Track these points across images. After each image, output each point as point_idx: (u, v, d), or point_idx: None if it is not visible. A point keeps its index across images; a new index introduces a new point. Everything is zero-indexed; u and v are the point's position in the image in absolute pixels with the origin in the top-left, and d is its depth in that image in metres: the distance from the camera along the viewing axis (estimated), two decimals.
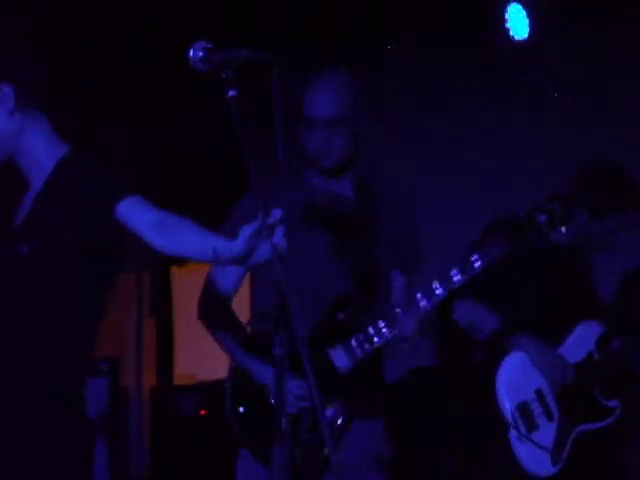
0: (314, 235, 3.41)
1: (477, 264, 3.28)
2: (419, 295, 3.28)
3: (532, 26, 5.45)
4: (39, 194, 2.95)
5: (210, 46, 2.51)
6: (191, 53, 2.52)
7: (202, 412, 6.24)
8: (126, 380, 6.65)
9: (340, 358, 3.31)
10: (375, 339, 3.30)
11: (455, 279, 3.28)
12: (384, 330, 3.30)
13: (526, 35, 5.48)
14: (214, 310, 3.52)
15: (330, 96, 3.41)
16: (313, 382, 2.43)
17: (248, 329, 3.51)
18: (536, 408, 4.04)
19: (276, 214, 2.48)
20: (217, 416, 3.47)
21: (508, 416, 3.99)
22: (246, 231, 2.53)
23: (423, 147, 5.85)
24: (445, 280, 3.28)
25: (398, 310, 3.29)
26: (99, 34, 5.37)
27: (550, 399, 4.06)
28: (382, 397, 3.49)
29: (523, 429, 3.99)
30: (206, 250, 2.68)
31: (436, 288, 3.28)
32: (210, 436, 5.85)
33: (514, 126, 5.61)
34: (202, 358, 6.27)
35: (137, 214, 2.87)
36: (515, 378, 4.06)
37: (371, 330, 3.31)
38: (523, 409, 4.02)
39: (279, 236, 2.48)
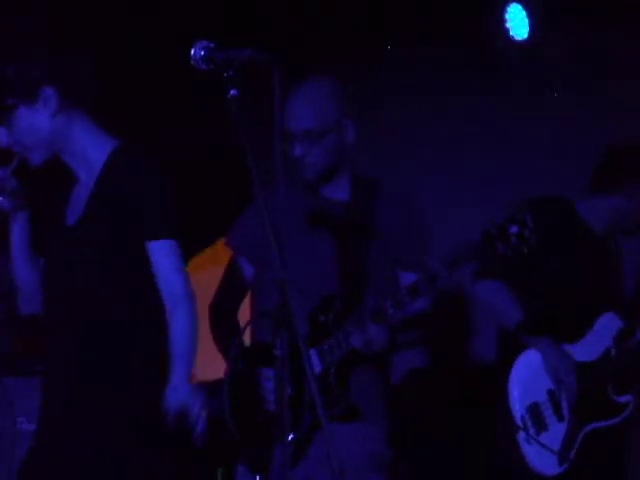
0: (307, 239, 3.40)
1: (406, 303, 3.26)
2: (388, 304, 3.24)
3: (532, 26, 5.45)
4: (93, 195, 3.09)
5: (212, 45, 2.51)
6: (193, 52, 2.52)
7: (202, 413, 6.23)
8: None
9: (314, 361, 3.29)
10: (343, 346, 3.28)
11: (421, 289, 3.24)
12: (351, 338, 3.27)
13: (526, 35, 5.47)
14: (223, 324, 3.55)
15: (307, 108, 3.37)
16: (313, 382, 2.43)
17: (248, 330, 3.53)
18: (547, 409, 4.03)
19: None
20: (217, 416, 3.47)
21: (518, 418, 3.98)
22: None
23: (423, 147, 5.85)
24: (412, 291, 3.24)
25: (366, 318, 3.26)
26: (99, 34, 5.36)
27: (562, 399, 4.05)
28: (385, 398, 3.48)
29: (532, 431, 3.98)
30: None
31: (404, 297, 3.24)
32: (210, 436, 5.84)
33: (514, 126, 5.60)
34: (202, 358, 6.26)
35: (162, 260, 3.14)
36: (528, 377, 4.05)
37: (341, 336, 3.29)
38: (534, 410, 4.02)
39: None
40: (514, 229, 3.19)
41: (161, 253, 3.13)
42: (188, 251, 7.09)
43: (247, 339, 3.72)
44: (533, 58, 5.48)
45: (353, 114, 3.45)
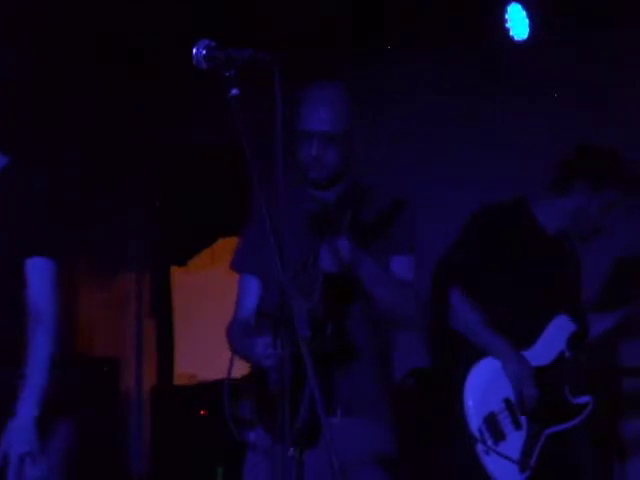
0: (306, 239, 3.40)
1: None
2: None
3: (532, 26, 5.45)
4: None
5: (213, 45, 2.51)
6: (194, 51, 2.52)
7: (202, 412, 6.24)
8: (126, 380, 6.65)
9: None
10: (317, 269, 3.27)
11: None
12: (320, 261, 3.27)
13: (526, 35, 5.47)
14: (237, 337, 3.55)
15: (329, 111, 3.39)
16: (314, 383, 2.43)
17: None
18: (504, 418, 4.02)
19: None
20: (217, 416, 3.47)
21: (475, 431, 3.97)
22: None
23: (423, 147, 5.85)
24: None
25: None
26: (99, 34, 5.37)
27: (518, 408, 4.04)
28: (388, 397, 3.48)
29: (490, 442, 3.97)
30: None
31: None
32: (210, 436, 5.85)
33: (514, 126, 5.61)
34: (202, 358, 6.28)
35: (36, 279, 3.19)
36: (483, 386, 4.04)
37: (311, 260, 3.28)
38: (490, 421, 4.00)
39: None
40: None
41: (34, 271, 3.21)
42: (188, 251, 7.13)
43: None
44: (533, 58, 5.48)
45: (358, 121, 3.48)
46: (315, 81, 3.44)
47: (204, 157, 6.64)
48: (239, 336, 3.50)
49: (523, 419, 4.02)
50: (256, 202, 2.48)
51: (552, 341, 4.12)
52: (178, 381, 6.89)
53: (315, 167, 3.41)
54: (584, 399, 4.10)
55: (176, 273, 6.96)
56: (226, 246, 5.96)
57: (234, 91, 2.49)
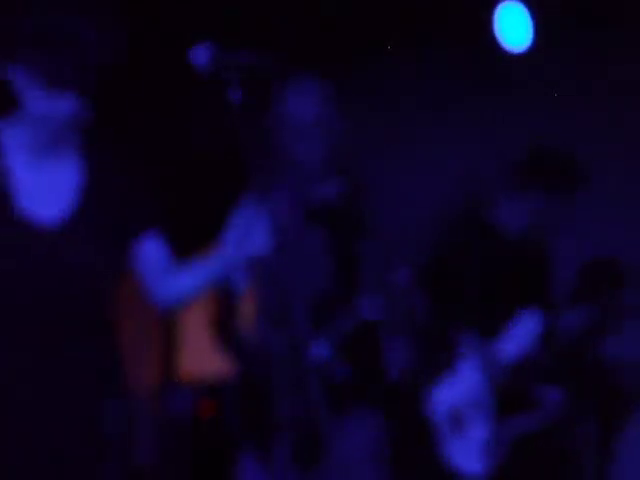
0: (302, 235, 3.42)
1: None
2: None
3: (532, 29, 5.46)
4: None
5: (213, 47, 2.52)
6: (194, 53, 2.53)
7: (202, 412, 6.25)
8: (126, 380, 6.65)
9: (321, 345, 3.31)
10: (352, 317, 3.31)
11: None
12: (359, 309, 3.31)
13: (526, 40, 5.48)
14: (222, 331, 3.56)
15: (309, 105, 3.38)
16: (314, 383, 2.44)
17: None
18: (467, 408, 4.05)
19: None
20: (217, 416, 3.48)
21: (437, 422, 4.01)
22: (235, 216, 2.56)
23: (423, 147, 5.86)
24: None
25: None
26: (99, 34, 5.37)
27: (483, 398, 4.07)
28: (382, 393, 3.50)
29: (452, 433, 4.01)
30: None
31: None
32: (210, 436, 5.86)
33: (514, 126, 5.61)
34: (202, 358, 6.29)
35: None
36: (448, 377, 4.08)
37: (348, 309, 3.32)
38: (454, 413, 4.03)
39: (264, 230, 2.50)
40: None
41: None
42: (188, 251, 7.13)
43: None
44: (533, 60, 5.49)
45: (340, 115, 3.49)
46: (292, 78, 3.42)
47: (205, 157, 6.65)
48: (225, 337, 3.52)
49: (489, 409, 4.06)
50: (256, 199, 2.48)
51: (517, 337, 4.15)
52: (178, 380, 6.91)
53: (302, 162, 3.41)
54: (552, 394, 4.14)
55: None
56: None
57: (234, 92, 2.50)
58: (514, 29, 5.44)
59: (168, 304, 2.70)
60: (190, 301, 2.70)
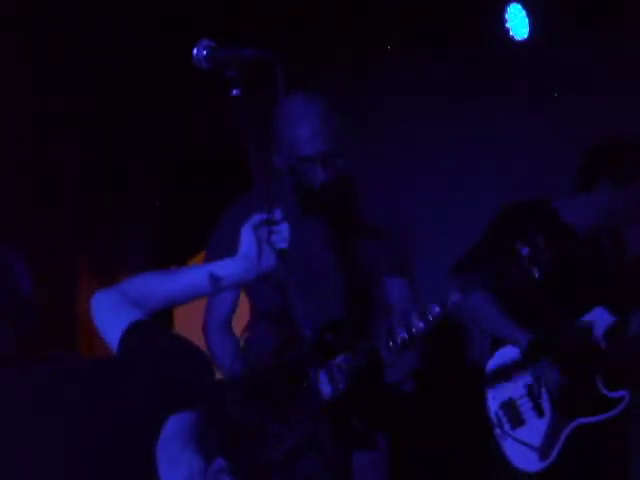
0: (304, 237, 3.40)
1: (436, 312, 3.25)
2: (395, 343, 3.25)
3: (532, 26, 5.46)
4: None
5: (214, 45, 2.51)
6: (195, 51, 2.52)
7: None
8: None
9: (323, 383, 3.30)
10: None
11: (415, 329, 3.25)
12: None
13: (526, 35, 5.48)
14: (215, 337, 3.55)
15: (318, 128, 3.33)
16: (314, 384, 2.43)
17: (246, 334, 3.54)
18: (524, 404, 4.02)
19: (277, 213, 2.46)
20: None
21: (492, 415, 3.99)
22: (248, 226, 2.47)
23: (423, 147, 5.86)
24: (405, 328, 3.25)
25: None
26: (100, 34, 5.37)
27: (541, 394, 4.04)
28: (381, 400, 3.49)
29: (507, 426, 3.98)
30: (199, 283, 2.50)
31: (400, 332, 3.25)
32: None
33: (514, 126, 5.61)
34: None
35: None
36: (504, 372, 4.05)
37: (360, 348, 3.30)
38: (509, 406, 4.01)
39: (284, 236, 2.46)
40: (525, 251, 3.18)
41: None
42: (188, 251, 7.13)
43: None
44: (533, 58, 5.48)
45: (342, 122, 3.46)
46: (291, 97, 3.37)
47: (205, 157, 6.64)
48: (217, 334, 3.51)
49: (546, 406, 4.03)
50: (256, 200, 2.47)
51: (583, 335, 4.11)
52: None
53: (323, 186, 3.38)
54: (619, 393, 4.08)
55: None
56: None
57: (235, 91, 2.49)
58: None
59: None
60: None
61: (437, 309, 3.24)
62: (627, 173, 4.06)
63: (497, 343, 4.08)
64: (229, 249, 3.36)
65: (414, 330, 3.22)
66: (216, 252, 3.33)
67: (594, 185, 4.11)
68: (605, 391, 4.06)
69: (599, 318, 4.11)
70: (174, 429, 2.02)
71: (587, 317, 4.10)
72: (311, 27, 5.55)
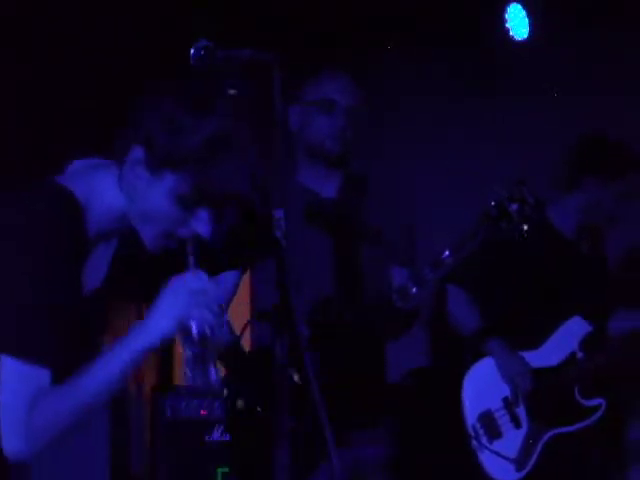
0: (301, 235, 3.41)
1: (448, 260, 3.26)
2: (394, 296, 3.25)
3: (532, 26, 5.45)
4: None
5: (211, 45, 2.52)
6: (193, 52, 2.52)
7: (202, 412, 6.23)
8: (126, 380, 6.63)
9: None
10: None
11: (427, 277, 3.26)
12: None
13: (526, 35, 5.47)
14: None
15: (354, 86, 3.43)
16: (315, 385, 2.43)
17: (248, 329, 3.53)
18: (501, 417, 4.00)
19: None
20: (217, 416, 3.47)
21: (469, 428, 3.97)
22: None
23: (423, 147, 5.85)
24: (418, 279, 3.27)
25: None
26: (100, 34, 5.37)
27: (517, 406, 4.02)
28: (382, 397, 3.49)
29: (484, 439, 3.97)
30: None
31: (410, 288, 3.26)
32: (210, 436, 5.84)
33: (514, 126, 5.61)
34: None
35: None
36: (481, 386, 4.04)
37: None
38: (486, 419, 4.00)
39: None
40: (514, 207, 3.21)
41: None
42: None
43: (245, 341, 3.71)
44: (533, 58, 5.48)
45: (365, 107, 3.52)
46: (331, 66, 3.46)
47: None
48: None
49: (523, 418, 4.02)
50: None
51: (563, 342, 4.10)
52: (178, 381, 6.88)
53: (338, 139, 3.42)
54: (595, 401, 4.07)
55: None
56: None
57: (233, 91, 2.49)
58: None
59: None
60: None
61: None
62: (612, 170, 4.07)
63: (475, 355, 4.08)
64: None
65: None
66: None
67: (578, 184, 4.12)
68: (582, 400, 4.05)
69: (574, 327, 4.11)
70: None
71: (563, 327, 4.10)
72: (311, 27, 5.55)
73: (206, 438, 5.97)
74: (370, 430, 3.40)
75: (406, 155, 5.83)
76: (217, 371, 2.19)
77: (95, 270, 2.37)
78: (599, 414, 4.06)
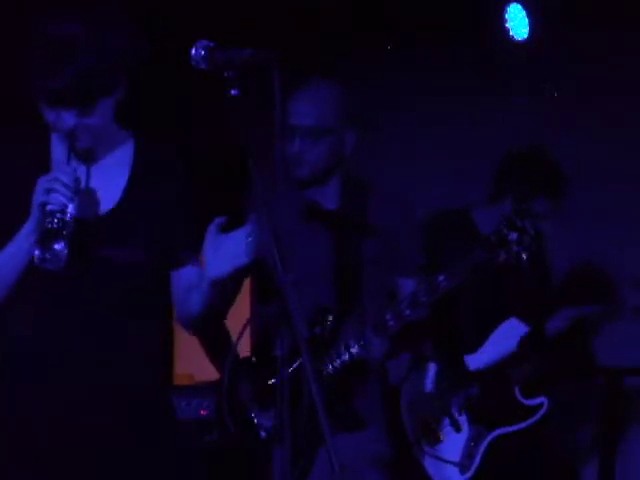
0: (301, 238, 3.40)
1: (443, 285, 3.24)
2: (388, 316, 3.25)
3: (532, 26, 5.45)
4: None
5: (212, 45, 2.51)
6: (193, 52, 2.52)
7: (202, 412, 6.23)
8: None
9: None
10: (344, 357, 3.28)
11: (421, 300, 3.25)
12: (352, 349, 3.28)
13: (526, 35, 5.47)
14: (207, 328, 3.55)
15: (310, 105, 3.37)
16: (314, 385, 2.43)
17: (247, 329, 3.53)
18: (441, 422, 4.02)
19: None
20: (217, 416, 3.47)
21: (410, 435, 3.98)
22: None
23: (423, 147, 5.85)
24: (412, 302, 3.25)
25: (368, 330, 3.26)
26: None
27: (455, 411, 4.04)
28: (383, 397, 3.49)
29: (426, 445, 3.98)
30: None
31: (404, 309, 3.25)
32: (210, 436, 5.84)
33: (514, 126, 5.61)
34: (202, 358, 6.26)
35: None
36: (419, 392, 4.06)
37: (341, 348, 3.29)
38: (425, 425, 4.01)
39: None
40: (513, 236, 3.19)
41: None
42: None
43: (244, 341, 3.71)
44: (533, 58, 5.48)
45: (355, 124, 3.44)
46: (307, 78, 3.43)
47: (205, 157, 6.64)
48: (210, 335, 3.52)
49: (463, 421, 4.04)
50: (254, 202, 2.48)
51: (500, 343, 4.11)
52: (178, 381, 6.88)
53: (296, 164, 3.38)
54: (537, 400, 4.08)
55: None
56: None
57: (234, 91, 2.49)
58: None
59: None
60: None
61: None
62: (528, 191, 4.11)
63: (415, 362, 4.09)
64: None
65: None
66: None
67: (501, 198, 4.18)
68: (523, 400, 4.07)
69: (511, 328, 4.12)
70: None
71: (500, 328, 4.12)
72: (311, 27, 5.55)
73: (206, 438, 5.97)
74: (368, 428, 3.40)
75: (406, 155, 5.84)
76: (65, 247, 2.53)
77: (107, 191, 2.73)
78: (542, 412, 4.08)
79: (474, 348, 4.11)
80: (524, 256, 3.22)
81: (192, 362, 6.71)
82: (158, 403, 2.87)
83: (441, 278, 3.23)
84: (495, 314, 4.13)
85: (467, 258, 3.24)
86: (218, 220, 2.70)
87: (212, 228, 2.71)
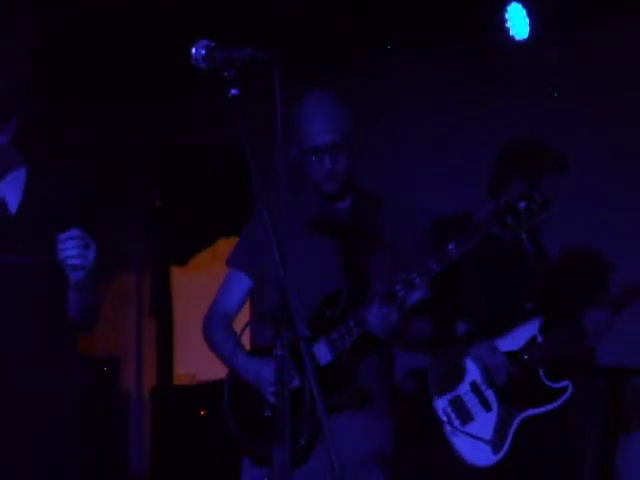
0: (309, 240, 3.42)
1: (453, 253, 3.28)
2: (398, 286, 3.27)
3: (532, 26, 5.45)
4: None
5: (213, 45, 2.52)
6: (194, 51, 2.53)
7: (202, 412, 6.24)
8: (126, 380, 6.65)
9: (322, 352, 3.32)
10: (355, 330, 3.30)
11: (432, 268, 3.28)
12: (364, 323, 3.30)
13: (526, 35, 5.48)
14: (215, 329, 3.56)
15: (330, 120, 3.40)
16: (314, 383, 2.43)
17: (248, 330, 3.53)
18: (470, 399, 4.07)
19: None
20: (217, 416, 3.48)
21: (440, 413, 4.02)
22: None
23: (423, 147, 5.86)
24: (422, 270, 3.28)
25: (377, 299, 3.28)
26: (100, 34, 5.37)
27: (485, 389, 4.09)
28: (388, 395, 3.50)
29: (457, 422, 4.02)
30: None
31: (414, 277, 3.28)
32: (210, 436, 5.85)
33: (514, 126, 5.61)
34: (202, 358, 6.27)
35: None
36: (447, 371, 4.10)
37: (352, 322, 3.31)
38: (456, 402, 4.06)
39: None
40: (523, 204, 3.24)
41: None
42: (188, 251, 7.12)
43: (245, 342, 3.71)
44: (533, 58, 5.48)
45: (355, 123, 3.49)
46: (308, 93, 3.45)
47: (204, 157, 6.65)
48: (219, 329, 3.53)
49: (492, 400, 4.10)
50: (257, 202, 2.48)
51: (523, 329, 4.18)
52: (178, 381, 6.90)
53: (330, 180, 3.43)
54: (562, 383, 4.16)
55: (176, 273, 6.96)
56: (226, 246, 5.97)
57: (234, 91, 2.49)
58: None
59: None
60: None
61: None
62: (538, 174, 4.15)
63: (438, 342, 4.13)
64: (248, 266, 3.43)
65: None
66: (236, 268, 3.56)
67: (505, 187, 4.21)
68: (548, 382, 4.14)
69: (533, 324, 4.20)
70: None
71: (522, 326, 4.20)
72: (311, 27, 5.56)
73: (206, 438, 5.98)
74: (371, 423, 3.41)
75: (406, 155, 5.84)
76: None
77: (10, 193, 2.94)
78: (567, 395, 4.14)
79: (500, 334, 4.16)
80: (534, 222, 3.28)
81: (193, 362, 6.72)
82: (58, 403, 3.01)
83: (451, 246, 3.27)
84: (503, 293, 4.20)
85: (476, 224, 3.28)
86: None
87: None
